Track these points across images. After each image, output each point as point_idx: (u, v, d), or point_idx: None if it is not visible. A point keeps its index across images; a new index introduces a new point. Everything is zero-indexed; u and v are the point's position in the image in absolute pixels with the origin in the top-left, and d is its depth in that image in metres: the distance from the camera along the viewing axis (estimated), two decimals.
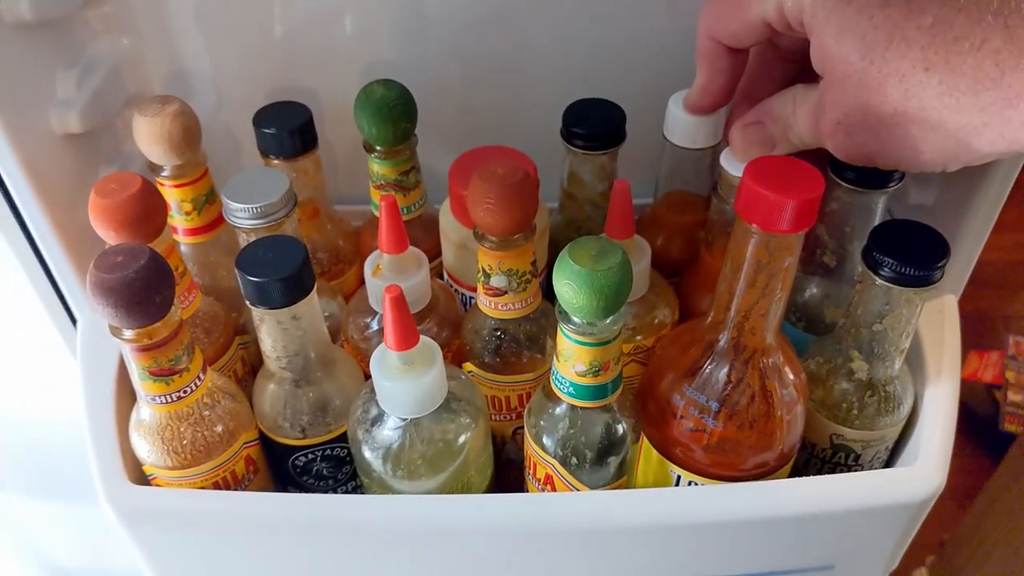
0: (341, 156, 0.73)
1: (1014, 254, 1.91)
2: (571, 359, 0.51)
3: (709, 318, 0.55)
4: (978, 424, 1.80)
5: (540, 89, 0.70)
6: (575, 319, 0.50)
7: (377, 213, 0.66)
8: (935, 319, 0.62)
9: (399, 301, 0.49)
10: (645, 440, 0.58)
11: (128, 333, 0.49)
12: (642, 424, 0.58)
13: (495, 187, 0.52)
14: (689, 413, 0.55)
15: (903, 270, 0.52)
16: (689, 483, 0.57)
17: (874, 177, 0.56)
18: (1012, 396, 1.78)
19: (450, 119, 0.70)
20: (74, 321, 0.70)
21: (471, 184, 0.53)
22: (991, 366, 1.82)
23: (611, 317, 0.50)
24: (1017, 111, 0.42)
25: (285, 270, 0.52)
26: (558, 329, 0.51)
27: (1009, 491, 1.40)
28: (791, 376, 0.55)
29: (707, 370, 0.55)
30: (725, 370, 0.54)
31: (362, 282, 0.70)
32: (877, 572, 0.63)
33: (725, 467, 0.56)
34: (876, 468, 0.62)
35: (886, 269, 0.52)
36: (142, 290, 0.47)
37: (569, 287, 0.48)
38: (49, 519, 0.99)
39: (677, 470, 0.57)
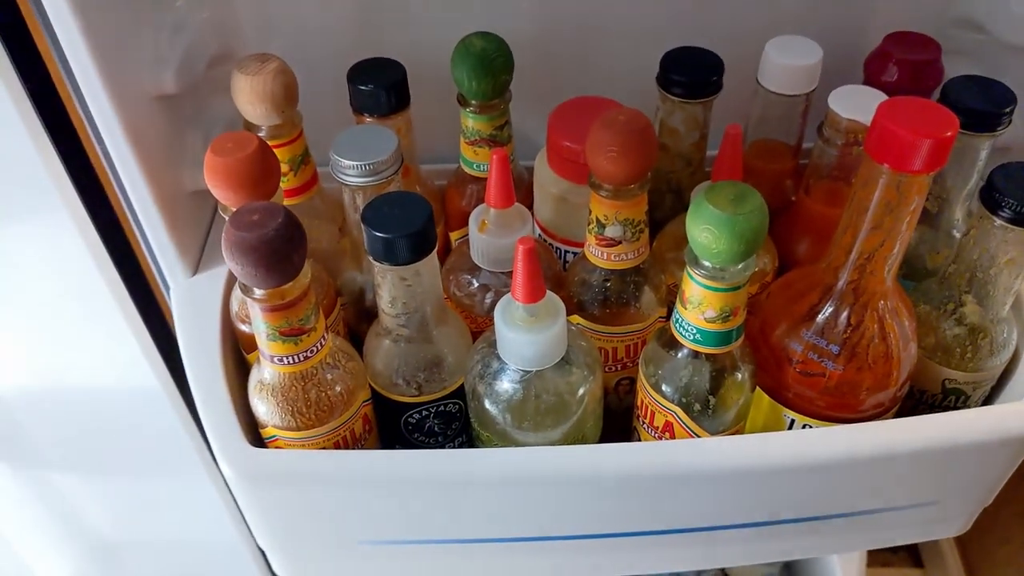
0: (417, 113, 0.72)
1: None
2: (700, 305, 0.52)
3: (826, 262, 0.55)
4: None
5: (621, 42, 0.70)
6: (706, 264, 0.50)
7: (468, 169, 0.66)
8: None
9: (532, 253, 0.49)
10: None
11: (260, 293, 0.49)
12: None
13: (619, 135, 0.52)
14: (808, 357, 0.56)
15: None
16: (804, 426, 0.58)
17: (984, 120, 0.56)
18: None
19: (530, 74, 0.69)
20: (133, 287, 0.70)
21: (592, 132, 0.53)
22: None
23: (744, 262, 0.50)
24: None
25: (412, 226, 0.51)
26: (685, 275, 0.52)
27: None
28: (907, 317, 0.56)
29: (826, 314, 0.55)
30: (845, 313, 0.54)
31: (447, 241, 0.70)
32: (974, 506, 0.64)
33: (842, 409, 0.57)
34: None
35: (1006, 209, 0.53)
36: (281, 248, 0.47)
37: (709, 232, 0.48)
38: (92, 493, 0.99)
39: (791, 414, 0.58)
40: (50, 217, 0.65)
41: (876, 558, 1.36)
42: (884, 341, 0.55)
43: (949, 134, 0.47)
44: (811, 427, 0.57)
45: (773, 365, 0.57)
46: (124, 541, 1.09)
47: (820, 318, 0.55)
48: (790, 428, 0.58)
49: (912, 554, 1.38)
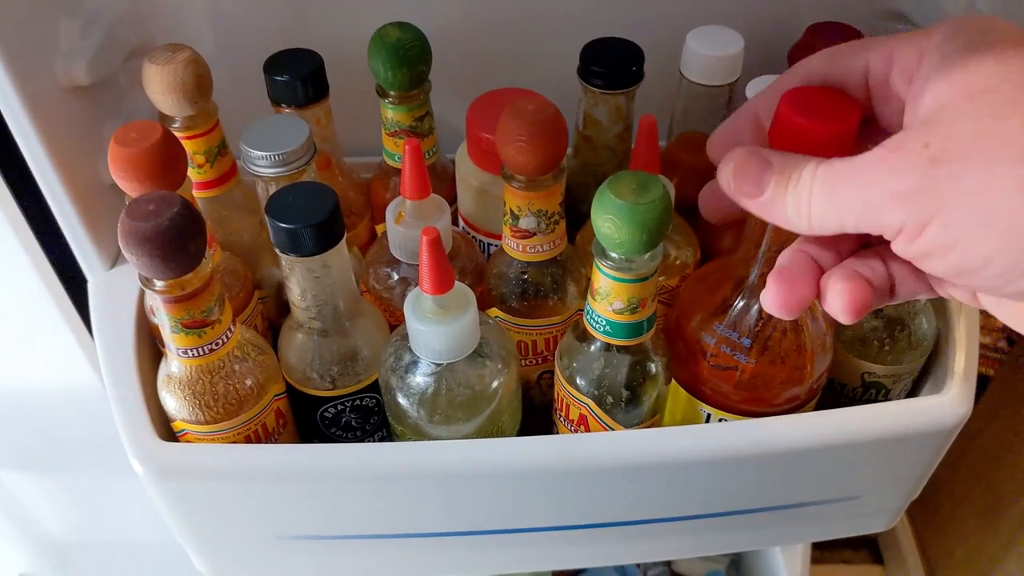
0: (343, 106, 0.72)
1: None
2: (608, 297, 0.51)
3: (738, 255, 0.55)
4: None
5: (546, 34, 0.70)
6: (613, 255, 0.50)
7: (390, 161, 0.65)
8: None
9: (436, 243, 0.49)
10: (672, 380, 0.58)
11: (160, 284, 0.48)
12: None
13: (527, 124, 0.51)
14: (720, 351, 0.55)
15: None
16: (719, 420, 0.57)
17: None
18: (982, 339, 1.81)
19: (455, 66, 0.69)
20: (70, 283, 0.69)
21: (501, 122, 0.52)
22: None
23: (650, 252, 0.49)
24: None
25: (317, 217, 0.51)
26: (594, 266, 0.51)
27: (984, 433, 1.43)
28: (820, 309, 0.55)
29: (738, 307, 0.55)
30: (757, 306, 0.54)
31: (373, 234, 0.70)
32: (900, 500, 0.64)
33: (756, 403, 0.56)
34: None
35: None
36: (176, 238, 0.46)
37: (611, 222, 0.48)
38: (41, 492, 0.98)
39: (707, 408, 0.57)
40: None
41: (836, 555, 1.36)
42: (796, 334, 0.54)
43: (850, 124, 0.46)
44: (726, 421, 0.57)
45: (688, 359, 0.57)
46: (75, 541, 1.08)
47: (732, 311, 0.55)
48: (707, 422, 0.58)
49: (872, 551, 1.38)
